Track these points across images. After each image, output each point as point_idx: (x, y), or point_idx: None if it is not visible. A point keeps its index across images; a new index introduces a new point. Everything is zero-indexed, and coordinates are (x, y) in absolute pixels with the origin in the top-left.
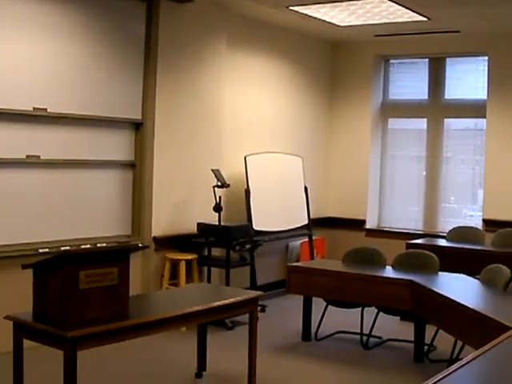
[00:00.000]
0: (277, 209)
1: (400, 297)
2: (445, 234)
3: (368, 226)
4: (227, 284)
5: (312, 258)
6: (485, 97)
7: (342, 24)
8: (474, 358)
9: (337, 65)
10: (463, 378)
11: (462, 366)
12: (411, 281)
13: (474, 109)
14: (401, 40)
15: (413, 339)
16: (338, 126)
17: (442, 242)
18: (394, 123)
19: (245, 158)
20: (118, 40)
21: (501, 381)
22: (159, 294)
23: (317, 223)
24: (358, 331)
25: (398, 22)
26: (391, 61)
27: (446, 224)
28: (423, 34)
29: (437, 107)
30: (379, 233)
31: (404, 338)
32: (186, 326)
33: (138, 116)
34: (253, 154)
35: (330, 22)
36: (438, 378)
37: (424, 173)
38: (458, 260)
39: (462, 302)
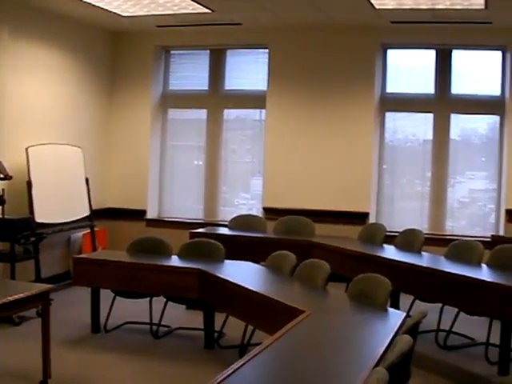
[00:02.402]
0: (58, 201)
1: (188, 285)
2: (225, 223)
3: (149, 216)
4: (12, 278)
5: (94, 249)
6: (265, 88)
7: (125, 14)
8: (271, 343)
9: (118, 55)
10: (262, 363)
11: (263, 350)
12: (199, 269)
13: (254, 100)
14: (182, 31)
15: (202, 327)
16: (118, 117)
17: (225, 231)
18: (175, 114)
19: (26, 149)
20: None
21: (301, 361)
22: None
23: (98, 214)
24: (148, 321)
25: (182, 14)
26: (172, 52)
27: (226, 213)
28: (205, 26)
29: (217, 98)
30: (160, 223)
31: (193, 326)
32: None
33: None
34: (34, 145)
35: (113, 12)
36: (241, 364)
37: (201, 162)
38: (243, 248)
39: (251, 288)
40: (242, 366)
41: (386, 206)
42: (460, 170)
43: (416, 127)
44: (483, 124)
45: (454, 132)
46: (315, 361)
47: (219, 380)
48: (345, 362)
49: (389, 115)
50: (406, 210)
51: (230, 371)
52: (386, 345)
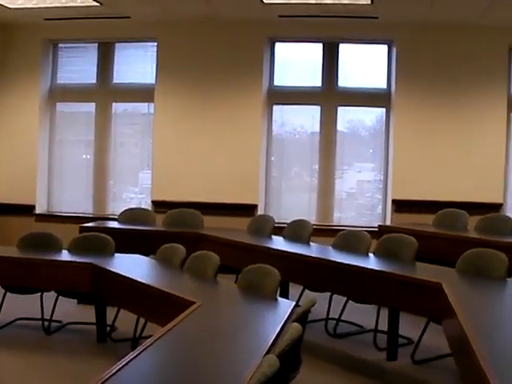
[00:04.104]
0: None
1: (80, 280)
2: (115, 217)
3: (38, 211)
4: None
5: None
6: (153, 81)
7: (12, 6)
8: (163, 334)
9: (6, 48)
10: (154, 354)
11: (154, 342)
12: (89, 263)
13: (142, 93)
14: (71, 24)
15: (94, 321)
16: (6, 111)
17: (115, 225)
18: (63, 107)
19: None
20: None
21: (193, 351)
22: None
23: None
24: (39, 317)
25: (70, 6)
26: (60, 45)
27: (115, 207)
28: (93, 19)
29: (105, 91)
30: (50, 217)
31: (85, 321)
32: None
33: None
34: None
35: (0, 4)
36: (132, 357)
37: (90, 156)
38: (133, 241)
39: (142, 281)
40: (132, 358)
41: (274, 197)
42: (348, 161)
43: (304, 120)
44: (371, 116)
45: (343, 124)
46: (207, 351)
47: (110, 374)
48: (236, 351)
49: (276, 108)
50: (294, 202)
51: (121, 364)
52: (276, 333)
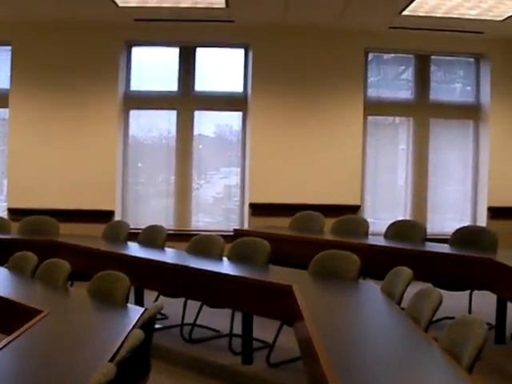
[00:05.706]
0: None
1: None
2: None
3: None
4: None
5: None
6: (8, 86)
7: None
8: (7, 344)
9: None
10: None
11: None
12: None
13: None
14: None
15: None
16: None
17: None
18: None
19: None
20: None
21: (35, 361)
22: None
23: None
24: None
25: None
26: None
27: None
28: None
29: None
30: None
31: None
32: None
33: None
34: None
35: None
36: None
37: None
38: None
39: None
40: None
41: (132, 203)
42: (215, 166)
43: (161, 125)
44: (232, 120)
45: (210, 129)
46: (49, 360)
47: None
48: (80, 359)
49: (133, 113)
50: (153, 208)
51: None
52: (121, 341)
